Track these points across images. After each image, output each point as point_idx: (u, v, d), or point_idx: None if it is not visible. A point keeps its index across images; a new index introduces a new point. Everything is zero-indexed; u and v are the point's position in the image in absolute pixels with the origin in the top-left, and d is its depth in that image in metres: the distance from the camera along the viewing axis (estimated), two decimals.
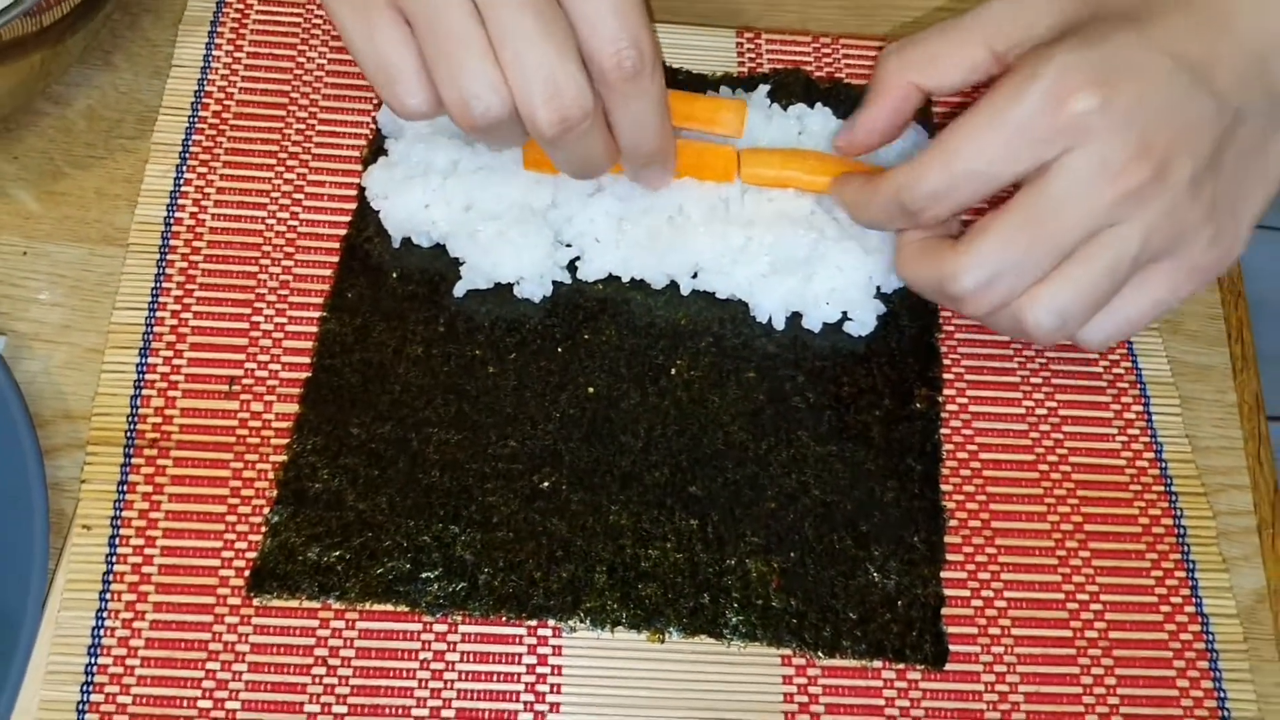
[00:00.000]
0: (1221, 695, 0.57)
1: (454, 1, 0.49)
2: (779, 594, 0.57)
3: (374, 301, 0.62)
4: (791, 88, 0.69)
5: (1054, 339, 0.55)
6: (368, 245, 0.64)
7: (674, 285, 0.65)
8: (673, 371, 0.62)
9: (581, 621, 0.56)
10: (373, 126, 0.68)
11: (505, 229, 0.62)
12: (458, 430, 0.59)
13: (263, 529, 0.56)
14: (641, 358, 0.62)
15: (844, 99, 0.69)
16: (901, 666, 0.57)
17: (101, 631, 0.54)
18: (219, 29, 0.69)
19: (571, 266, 0.64)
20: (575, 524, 0.58)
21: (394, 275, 0.63)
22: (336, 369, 0.60)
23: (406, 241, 0.64)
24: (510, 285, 0.63)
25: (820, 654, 0.56)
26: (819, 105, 0.68)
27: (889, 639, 0.57)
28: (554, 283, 0.64)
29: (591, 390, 0.61)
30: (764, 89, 0.68)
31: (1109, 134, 0.51)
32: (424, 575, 0.56)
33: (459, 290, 0.63)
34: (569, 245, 0.64)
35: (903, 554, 0.59)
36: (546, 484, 0.58)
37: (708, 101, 0.64)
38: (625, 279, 0.64)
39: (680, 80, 0.68)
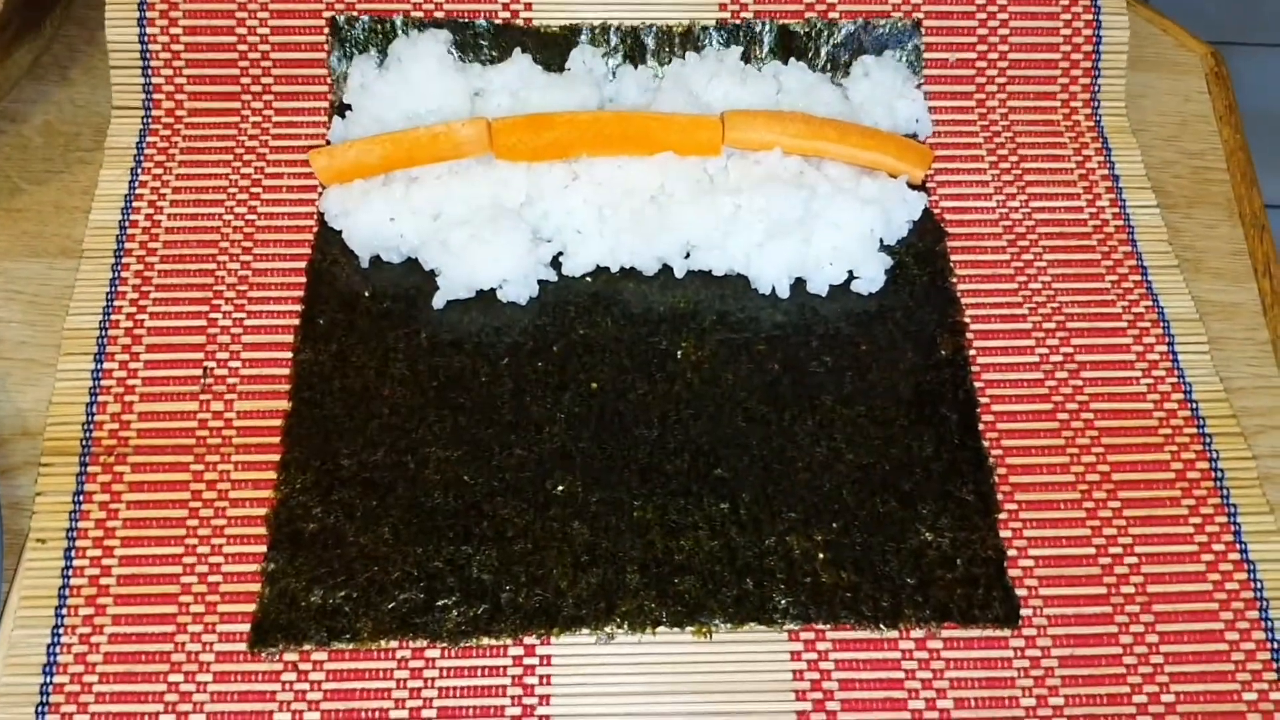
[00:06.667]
0: (1275, 646, 0.52)
1: None
2: (829, 567, 0.53)
3: (348, 325, 0.59)
4: (762, 39, 0.65)
5: None
6: (334, 268, 0.61)
7: (667, 269, 0.61)
8: (679, 355, 0.59)
9: (619, 627, 0.52)
10: (330, 97, 0.65)
11: (478, 232, 0.59)
12: (456, 446, 0.56)
13: (258, 578, 0.53)
14: (644, 346, 0.59)
15: (822, 42, 0.65)
16: (921, 635, 0.52)
17: (58, 649, 0.51)
18: (147, 14, 0.64)
19: (555, 263, 0.61)
20: (598, 525, 0.54)
21: (366, 295, 0.60)
22: (317, 401, 0.57)
23: (375, 259, 0.61)
24: (493, 291, 0.60)
25: (883, 627, 0.52)
26: (793, 61, 0.65)
27: (954, 601, 0.53)
28: (539, 282, 0.61)
29: (595, 386, 0.58)
30: (736, 51, 0.65)
31: None
32: (440, 603, 0.52)
33: (438, 301, 0.60)
34: (549, 241, 0.61)
35: (953, 509, 0.54)
36: (561, 488, 0.55)
37: (681, 120, 0.61)
38: (615, 269, 0.61)
39: (643, 37, 0.65)
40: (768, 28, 0.65)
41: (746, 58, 0.65)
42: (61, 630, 0.51)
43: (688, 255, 0.61)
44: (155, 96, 0.64)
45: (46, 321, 0.60)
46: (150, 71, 0.64)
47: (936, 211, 0.63)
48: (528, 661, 0.51)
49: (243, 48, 0.64)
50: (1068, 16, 0.65)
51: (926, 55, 0.65)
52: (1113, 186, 0.65)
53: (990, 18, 0.65)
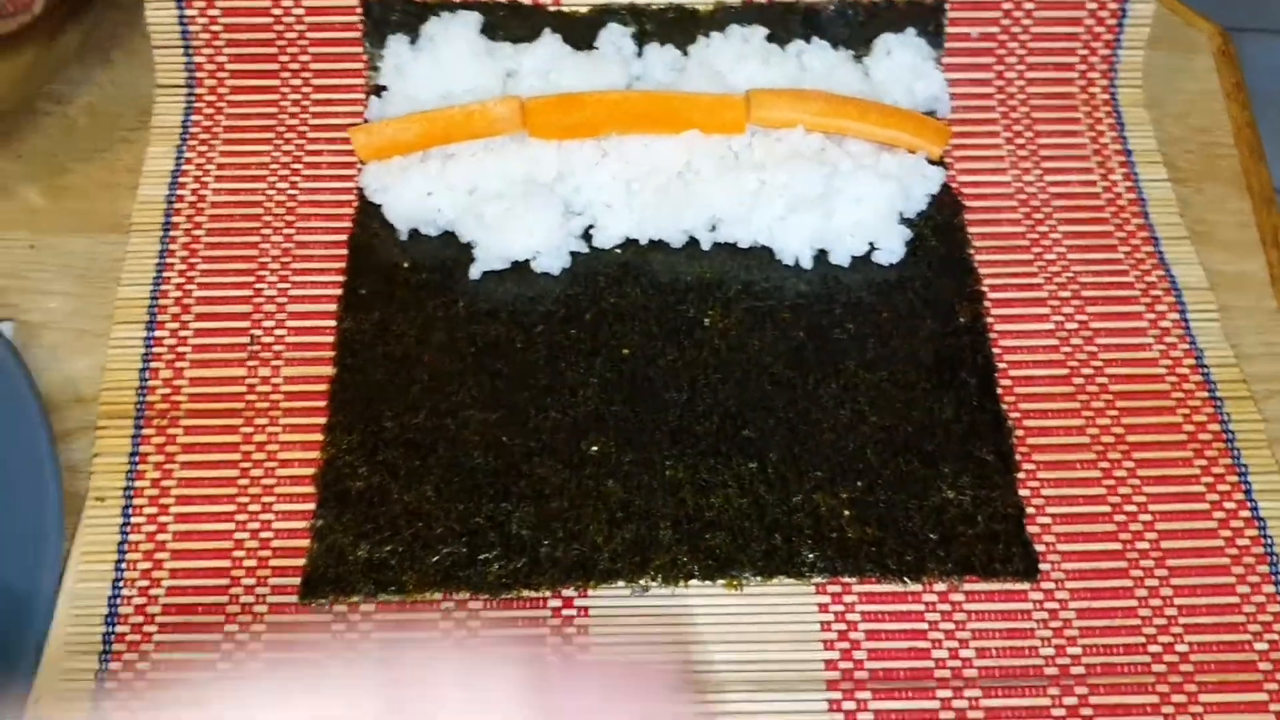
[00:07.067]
0: None
1: None
2: (854, 523, 0.55)
3: (388, 296, 0.61)
4: (788, 22, 0.67)
5: None
6: (374, 241, 0.63)
7: (694, 241, 0.63)
8: (706, 323, 0.61)
9: (653, 579, 0.54)
10: (366, 75, 0.67)
11: (512, 206, 0.61)
12: (494, 409, 0.58)
13: (308, 534, 0.55)
14: (672, 314, 0.61)
15: (845, 22, 0.67)
16: (943, 588, 0.54)
17: (118, 601, 0.53)
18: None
19: (587, 235, 0.63)
20: (631, 484, 0.56)
21: (405, 266, 0.62)
22: (360, 367, 0.59)
23: (414, 233, 0.63)
24: (527, 262, 0.62)
25: (906, 580, 0.54)
26: (815, 39, 0.66)
27: (975, 555, 0.55)
28: (571, 254, 0.63)
29: (626, 352, 0.60)
30: (761, 32, 0.66)
31: None
32: (482, 557, 0.54)
33: (475, 272, 0.62)
34: (580, 214, 0.63)
35: (974, 468, 0.57)
36: (595, 449, 0.57)
37: (707, 100, 0.63)
38: (643, 241, 0.63)
39: (669, 17, 0.67)
40: (793, 8, 0.67)
41: (771, 37, 0.66)
42: (121, 583, 0.53)
43: (713, 228, 0.63)
44: (198, 75, 0.66)
45: (96, 294, 0.62)
46: (191, 51, 0.66)
47: (954, 186, 0.65)
48: (566, 612, 0.53)
49: (279, 28, 0.66)
50: None
51: (949, 30, 0.67)
52: (1126, 161, 0.66)
53: None
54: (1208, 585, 0.55)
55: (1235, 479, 0.57)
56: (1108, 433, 0.58)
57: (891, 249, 0.62)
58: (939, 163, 0.65)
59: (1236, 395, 0.59)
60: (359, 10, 0.66)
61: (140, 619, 0.53)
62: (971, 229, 0.64)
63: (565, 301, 0.61)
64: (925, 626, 0.54)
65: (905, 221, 0.63)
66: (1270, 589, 0.55)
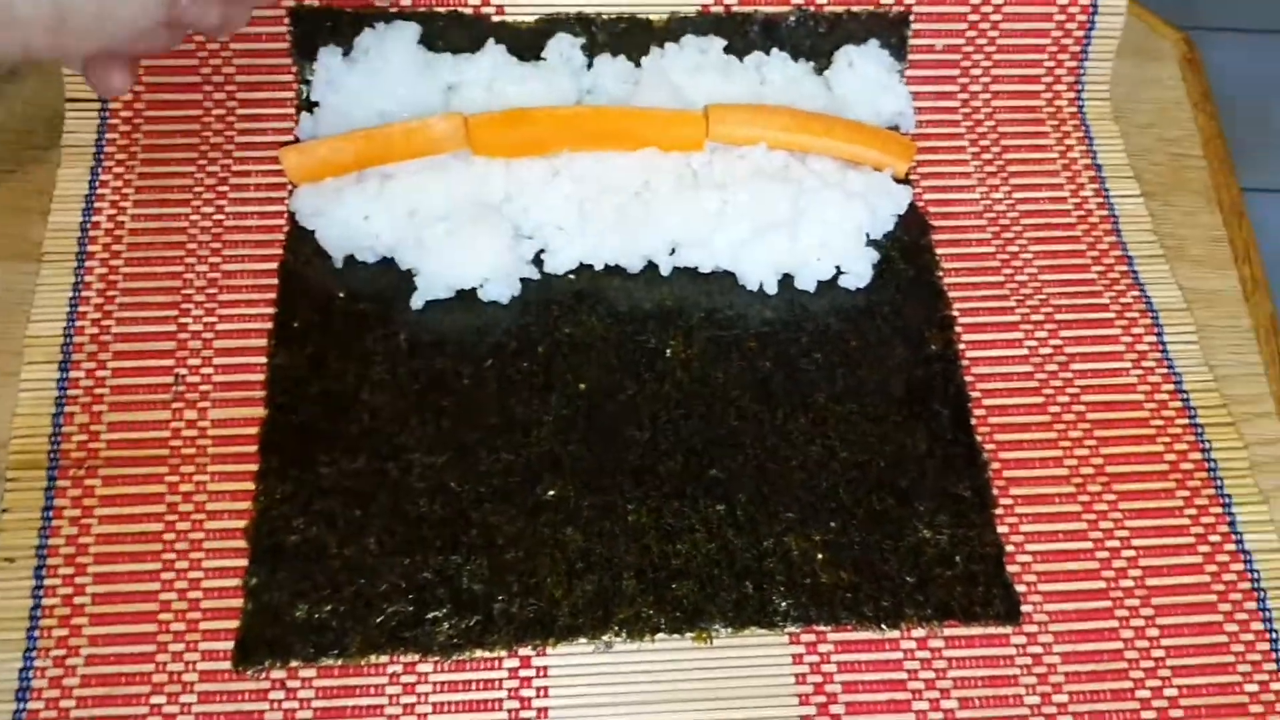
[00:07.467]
0: (1274, 636, 0.52)
1: None
2: (828, 568, 0.52)
3: (323, 328, 0.57)
4: (747, 32, 0.64)
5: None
6: (307, 269, 0.59)
7: (652, 266, 0.60)
8: (668, 354, 0.57)
9: (617, 635, 0.50)
10: (296, 89, 0.63)
11: (457, 229, 0.57)
12: (441, 451, 0.54)
13: (240, 593, 0.51)
14: (631, 345, 0.57)
15: (806, 33, 0.64)
16: (922, 634, 0.51)
17: (31, 674, 0.49)
18: None
19: (538, 260, 0.60)
20: (591, 531, 0.52)
21: (341, 296, 0.58)
22: (293, 408, 0.55)
23: (350, 259, 0.59)
24: (473, 290, 0.58)
25: (884, 627, 0.51)
26: (775, 51, 0.64)
27: (954, 598, 0.52)
28: (521, 280, 0.59)
29: (583, 386, 0.56)
30: (719, 43, 0.63)
31: None
32: (430, 615, 0.50)
33: (417, 302, 0.58)
34: (530, 238, 0.59)
35: (950, 505, 0.54)
36: (551, 493, 0.53)
37: (664, 115, 0.60)
38: (598, 266, 0.59)
39: (621, 28, 0.63)
40: (751, 18, 0.64)
41: (729, 49, 0.63)
42: (35, 654, 0.49)
43: (673, 252, 0.60)
44: None
45: (4, 329, 0.57)
46: None
47: (920, 205, 0.63)
48: (524, 673, 0.50)
49: (199, 38, 0.62)
50: (1064, 1, 0.64)
51: (913, 42, 0.64)
52: (1096, 176, 0.64)
53: (985, 2, 0.64)
54: (1195, 624, 0.53)
55: (1219, 510, 0.55)
56: (1086, 464, 0.56)
57: (858, 272, 0.59)
58: (905, 180, 0.62)
59: (1218, 421, 0.57)
60: (285, 20, 0.62)
61: (56, 692, 0.48)
62: (940, 250, 0.61)
63: (516, 333, 0.57)
64: (904, 676, 0.51)
65: (872, 243, 0.60)
66: (1259, 625, 0.53)
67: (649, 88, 0.61)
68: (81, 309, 0.57)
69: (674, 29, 0.63)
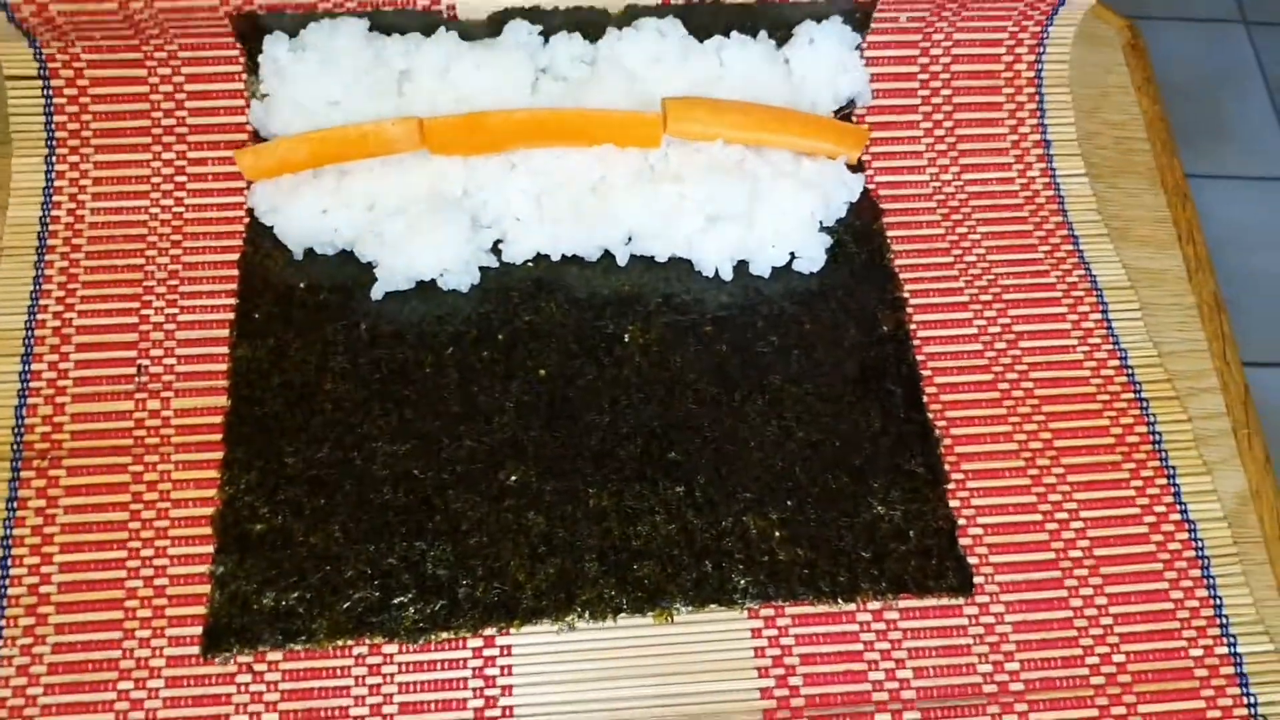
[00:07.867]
0: (1218, 602, 0.54)
1: None
2: (785, 545, 0.53)
3: (285, 319, 0.57)
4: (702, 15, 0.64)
5: None
6: (267, 261, 0.59)
7: (610, 255, 0.60)
8: (626, 339, 0.58)
9: (580, 616, 0.51)
10: (244, 79, 0.62)
11: (416, 221, 0.58)
12: (404, 440, 0.54)
13: (207, 581, 0.51)
14: (590, 331, 0.58)
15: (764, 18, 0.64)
16: (877, 606, 0.53)
17: None
18: None
19: (496, 250, 0.60)
20: (553, 515, 0.53)
21: (302, 287, 0.58)
22: (256, 398, 0.55)
23: (309, 252, 0.59)
24: (433, 280, 0.59)
25: (840, 600, 0.52)
26: (734, 34, 0.64)
27: (908, 572, 0.53)
28: (480, 269, 0.59)
29: (543, 372, 0.57)
30: (678, 24, 0.63)
31: None
32: (396, 600, 0.51)
33: (377, 292, 0.58)
34: (489, 227, 0.60)
35: (903, 482, 0.55)
36: (514, 479, 0.54)
37: (619, 117, 0.60)
38: (555, 256, 0.60)
39: (582, 13, 0.63)
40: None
41: (687, 30, 0.63)
42: (1, 642, 0.49)
43: (629, 241, 0.60)
44: (51, 65, 0.61)
45: None
46: (37, 42, 0.60)
47: (872, 188, 0.64)
48: (488, 652, 0.51)
49: (138, 17, 0.60)
50: None
51: (877, 14, 0.64)
52: (1044, 155, 0.65)
53: None
54: (1141, 592, 0.54)
55: (1164, 482, 0.57)
56: (1035, 438, 0.57)
57: (812, 257, 0.60)
58: (858, 165, 0.63)
59: (1162, 395, 0.59)
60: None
61: (23, 680, 0.49)
62: (891, 232, 0.62)
63: (476, 321, 0.58)
64: (860, 648, 0.52)
65: (825, 229, 0.61)
66: (1202, 593, 0.54)
67: (606, 73, 0.61)
68: (43, 302, 0.57)
69: (631, 14, 0.63)
